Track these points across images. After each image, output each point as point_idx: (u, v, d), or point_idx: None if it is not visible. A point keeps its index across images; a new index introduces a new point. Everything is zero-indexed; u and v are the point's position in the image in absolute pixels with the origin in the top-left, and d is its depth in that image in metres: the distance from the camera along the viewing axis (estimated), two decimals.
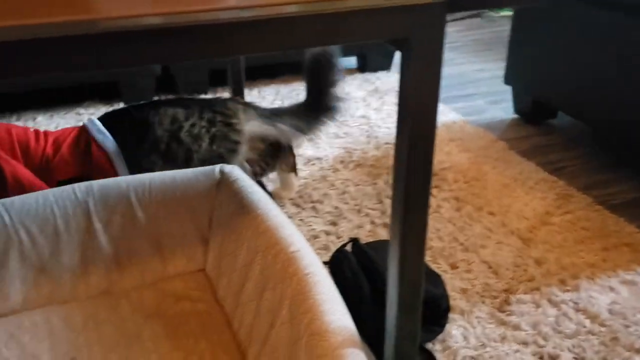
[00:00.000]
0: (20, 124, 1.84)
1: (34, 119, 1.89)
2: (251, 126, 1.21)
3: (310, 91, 1.25)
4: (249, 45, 0.53)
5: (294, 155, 1.38)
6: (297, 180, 1.41)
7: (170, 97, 1.36)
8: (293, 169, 1.38)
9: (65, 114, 1.92)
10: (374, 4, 0.54)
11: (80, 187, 0.97)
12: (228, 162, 1.15)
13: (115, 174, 1.12)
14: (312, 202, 1.40)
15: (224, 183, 1.01)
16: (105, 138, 1.13)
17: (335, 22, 0.54)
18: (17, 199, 0.94)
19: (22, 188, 1.07)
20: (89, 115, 1.90)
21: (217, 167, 1.03)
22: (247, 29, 0.52)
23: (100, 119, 1.19)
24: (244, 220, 0.94)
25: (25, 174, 1.08)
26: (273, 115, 1.24)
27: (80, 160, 1.13)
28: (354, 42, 0.56)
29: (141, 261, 1.00)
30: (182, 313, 0.95)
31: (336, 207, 1.38)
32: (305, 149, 1.67)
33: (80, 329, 0.91)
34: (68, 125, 1.84)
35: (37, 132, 1.15)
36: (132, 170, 1.13)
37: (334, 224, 1.32)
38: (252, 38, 0.53)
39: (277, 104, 1.99)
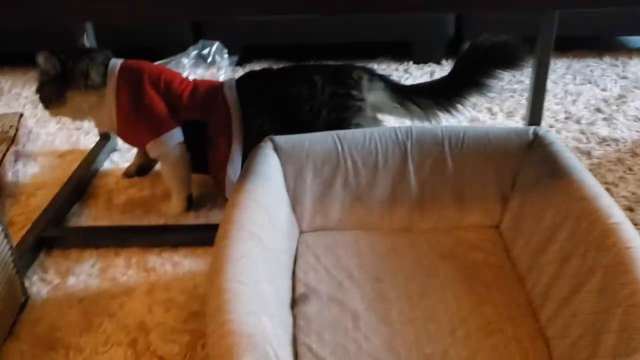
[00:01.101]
0: None
1: None
2: (374, 97, 1.21)
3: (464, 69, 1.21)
4: None
5: None
6: None
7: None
8: None
9: None
10: None
11: (401, 129, 1.06)
12: (355, 123, 1.18)
13: (230, 131, 1.19)
14: (606, 183, 1.34)
15: (537, 145, 1.02)
16: (232, 95, 1.20)
17: None
18: (349, 132, 1.06)
19: (150, 117, 1.22)
20: (381, 71, 2.03)
21: (531, 129, 1.04)
22: None
23: (241, 77, 1.25)
24: (554, 184, 0.94)
25: (159, 105, 1.21)
26: (403, 91, 1.22)
27: (206, 107, 1.22)
28: None
29: (441, 207, 1.07)
30: (475, 262, 0.99)
31: (633, 193, 1.30)
32: (599, 127, 1.59)
33: (384, 255, 1.01)
34: None
35: (184, 78, 1.27)
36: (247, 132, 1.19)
37: (630, 209, 1.24)
38: None
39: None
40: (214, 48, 1.92)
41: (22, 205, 1.33)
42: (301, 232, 1.07)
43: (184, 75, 1.30)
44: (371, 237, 1.05)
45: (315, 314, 0.89)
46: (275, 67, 1.29)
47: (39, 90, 1.24)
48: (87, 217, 1.28)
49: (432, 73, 2.00)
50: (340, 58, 2.14)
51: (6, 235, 0.97)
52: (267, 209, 0.93)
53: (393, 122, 1.35)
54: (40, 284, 1.08)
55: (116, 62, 1.25)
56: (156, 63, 1.32)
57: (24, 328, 0.98)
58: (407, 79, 1.96)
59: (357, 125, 1.18)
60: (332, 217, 1.06)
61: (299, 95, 1.18)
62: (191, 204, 1.30)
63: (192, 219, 1.26)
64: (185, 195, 1.29)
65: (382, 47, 2.20)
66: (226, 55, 1.94)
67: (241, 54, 2.08)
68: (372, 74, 1.23)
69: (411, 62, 2.10)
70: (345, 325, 0.87)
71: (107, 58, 1.26)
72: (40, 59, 1.21)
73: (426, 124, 1.06)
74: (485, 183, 1.06)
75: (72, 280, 1.09)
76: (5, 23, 0.64)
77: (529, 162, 1.03)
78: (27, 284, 1.06)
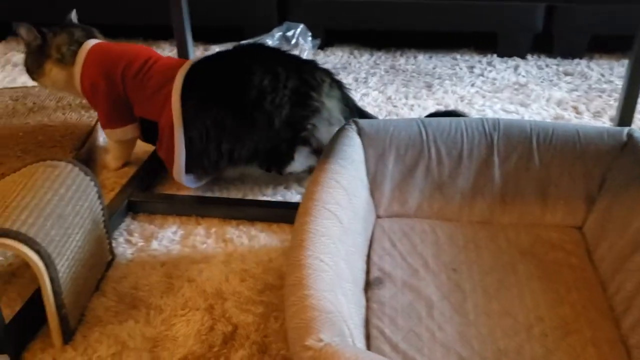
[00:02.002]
0: (404, 59, 2.03)
1: (415, 57, 2.05)
2: (329, 103, 1.19)
3: None
4: None
5: None
6: None
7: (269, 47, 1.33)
8: None
9: (443, 57, 2.05)
10: None
11: (488, 120, 1.05)
12: (312, 123, 1.17)
13: (172, 135, 1.17)
14: None
15: (630, 147, 0.99)
16: (177, 94, 1.16)
17: None
18: (434, 120, 1.06)
19: (102, 110, 1.27)
20: (464, 62, 2.00)
21: (625, 129, 1.00)
22: None
23: (194, 65, 1.20)
24: None
25: (110, 101, 1.26)
26: (352, 109, 1.21)
27: (155, 107, 1.22)
28: None
29: (523, 202, 1.05)
30: (555, 261, 0.97)
31: None
32: None
33: (461, 247, 1.00)
34: (445, 68, 1.97)
35: (145, 65, 1.25)
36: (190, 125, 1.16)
37: None
38: None
39: None
40: (298, 30, 1.94)
41: (112, 170, 1.40)
42: (378, 216, 1.07)
43: None
44: (449, 227, 1.04)
45: (389, 298, 0.90)
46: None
47: (24, 61, 1.33)
48: (172, 185, 1.32)
49: (516, 67, 1.95)
50: (422, 46, 2.12)
51: (100, 197, 1.03)
52: (347, 190, 0.95)
53: None
54: (126, 246, 1.14)
55: (89, 44, 1.30)
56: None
57: (109, 285, 1.03)
58: (490, 71, 1.92)
59: (314, 126, 1.18)
60: (411, 204, 1.06)
61: (261, 86, 1.15)
62: (125, 165, 1.40)
63: (269, 197, 1.28)
64: (122, 162, 1.39)
65: (465, 37, 2.16)
66: (310, 38, 1.96)
67: (324, 37, 2.09)
68: (333, 80, 1.22)
69: (495, 55, 2.05)
70: (419, 313, 0.87)
71: (85, 36, 1.31)
72: (21, 30, 1.28)
73: (515, 117, 1.04)
74: (571, 182, 1.03)
75: (155, 244, 1.14)
76: None
77: (621, 164, 0.99)
78: (113, 244, 1.11)
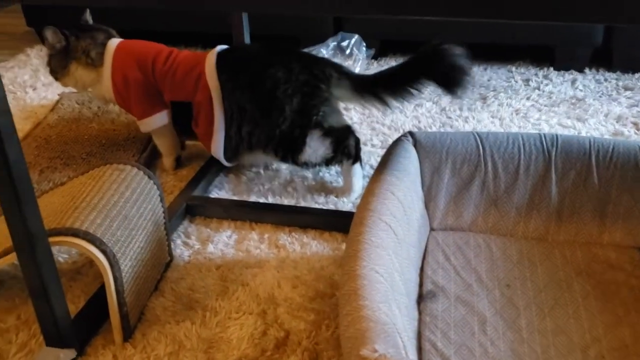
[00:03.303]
0: None
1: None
2: (339, 92, 1.29)
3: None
4: None
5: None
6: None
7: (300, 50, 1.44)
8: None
9: (498, 69, 2.03)
10: None
11: (546, 136, 1.04)
12: (323, 110, 1.26)
13: (211, 109, 1.28)
14: None
15: None
16: (213, 76, 1.27)
17: None
18: (492, 133, 1.06)
19: (137, 100, 1.33)
20: (519, 75, 1.98)
21: None
22: None
23: (222, 53, 1.30)
24: None
25: (145, 89, 1.33)
26: (365, 86, 1.27)
27: (188, 88, 1.30)
28: None
29: (580, 221, 1.03)
30: (613, 281, 0.95)
31: None
32: None
33: (515, 262, 1.00)
34: (500, 80, 1.95)
35: (169, 56, 1.34)
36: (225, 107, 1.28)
37: None
38: None
39: None
40: (352, 41, 1.96)
41: (170, 172, 1.45)
42: (432, 229, 1.08)
43: None
44: (503, 242, 1.04)
45: (442, 312, 0.90)
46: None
47: (48, 62, 1.40)
48: (227, 190, 1.36)
49: (573, 81, 1.92)
50: (477, 58, 2.10)
51: (161, 200, 1.06)
52: (402, 202, 0.95)
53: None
54: (184, 248, 1.17)
55: (113, 43, 1.37)
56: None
57: (167, 285, 1.07)
58: (546, 85, 1.89)
59: (324, 113, 1.28)
60: (465, 218, 1.06)
61: (276, 77, 1.26)
62: (180, 164, 1.47)
63: (321, 204, 1.30)
64: (174, 157, 1.46)
65: (521, 49, 2.13)
66: (364, 49, 1.97)
67: (378, 47, 2.10)
68: (341, 72, 1.30)
69: (552, 68, 2.02)
70: (472, 327, 0.87)
71: (107, 38, 1.39)
72: (48, 33, 1.35)
73: (573, 134, 1.03)
74: (631, 201, 1.01)
75: (211, 248, 1.17)
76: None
77: None
78: (172, 246, 1.15)
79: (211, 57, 1.30)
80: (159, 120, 1.37)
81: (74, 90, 1.53)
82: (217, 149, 1.31)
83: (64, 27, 1.37)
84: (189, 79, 1.31)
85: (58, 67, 1.39)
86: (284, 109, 1.26)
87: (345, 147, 1.29)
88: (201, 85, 1.29)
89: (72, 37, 1.36)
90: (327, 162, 1.31)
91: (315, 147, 1.28)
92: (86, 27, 1.41)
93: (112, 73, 1.35)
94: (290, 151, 1.30)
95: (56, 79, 1.42)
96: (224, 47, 1.34)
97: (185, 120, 1.35)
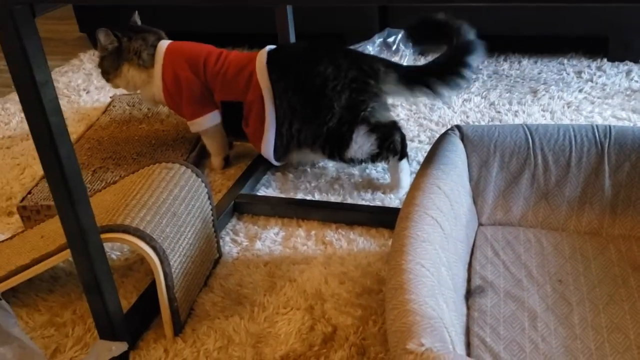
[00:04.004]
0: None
1: (519, 62, 2.00)
2: (388, 86, 1.29)
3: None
4: None
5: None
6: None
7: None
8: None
9: (549, 62, 1.98)
10: None
11: (599, 127, 1.01)
12: (372, 106, 1.27)
13: (262, 108, 1.29)
14: None
15: None
16: (264, 75, 1.29)
17: None
18: (541, 126, 1.03)
19: (188, 100, 1.35)
20: (571, 67, 1.92)
21: None
22: None
23: (272, 52, 1.32)
24: None
25: (196, 90, 1.35)
26: (413, 77, 1.27)
27: (239, 89, 1.32)
28: None
29: (636, 214, 1.00)
30: None
31: None
32: None
33: (568, 257, 0.97)
34: (551, 73, 1.90)
35: (220, 56, 1.36)
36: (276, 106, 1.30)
37: None
38: None
39: None
40: (399, 37, 1.94)
41: (219, 171, 1.47)
42: (480, 224, 1.06)
43: None
44: (555, 237, 1.01)
45: (491, 307, 0.89)
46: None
47: (100, 64, 1.43)
48: (274, 188, 1.37)
49: (628, 72, 1.85)
50: (527, 51, 2.06)
51: (209, 198, 1.08)
52: (449, 196, 0.94)
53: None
54: (232, 245, 1.19)
55: (164, 44, 1.40)
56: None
57: (216, 281, 1.09)
58: (599, 76, 1.83)
59: (373, 108, 1.28)
60: (515, 212, 1.04)
61: (325, 74, 1.27)
62: (228, 163, 1.49)
63: (368, 201, 1.30)
64: (222, 157, 1.48)
65: (573, 41, 2.07)
66: (411, 44, 1.95)
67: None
68: (388, 66, 1.30)
69: (605, 59, 1.95)
70: (522, 323, 0.85)
71: (157, 39, 1.41)
72: (100, 34, 1.39)
73: (627, 124, 0.99)
74: None
75: (258, 244, 1.18)
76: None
77: None
78: (220, 243, 1.16)
79: (261, 56, 1.32)
80: (210, 120, 1.39)
81: (125, 91, 1.57)
82: (268, 147, 1.32)
83: (116, 30, 1.41)
84: (240, 79, 1.33)
85: (110, 68, 1.42)
86: (332, 105, 1.27)
87: (390, 144, 1.28)
88: (252, 84, 1.31)
89: (124, 39, 1.40)
90: (373, 158, 1.30)
91: (361, 143, 1.28)
92: (137, 29, 1.45)
93: (163, 73, 1.38)
94: (337, 147, 1.30)
95: (107, 80, 1.45)
96: (273, 46, 1.36)
97: (234, 120, 1.37)
